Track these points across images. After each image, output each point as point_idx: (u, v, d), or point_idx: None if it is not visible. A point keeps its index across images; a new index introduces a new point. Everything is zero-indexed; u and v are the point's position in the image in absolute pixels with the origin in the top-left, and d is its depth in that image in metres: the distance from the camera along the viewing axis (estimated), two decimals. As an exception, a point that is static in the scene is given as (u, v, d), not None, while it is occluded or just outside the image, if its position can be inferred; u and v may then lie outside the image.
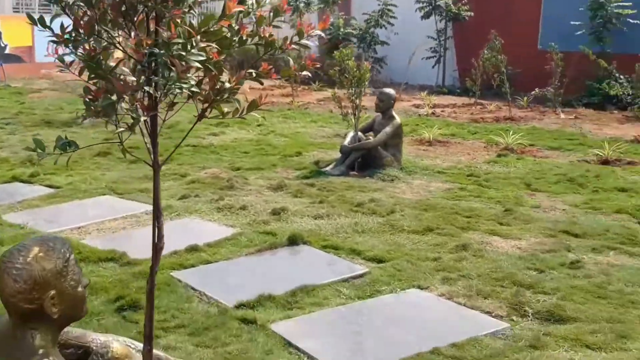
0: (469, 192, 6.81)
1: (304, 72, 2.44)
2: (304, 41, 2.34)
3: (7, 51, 17.21)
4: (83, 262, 4.53)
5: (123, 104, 2.33)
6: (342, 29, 18.66)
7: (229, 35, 2.24)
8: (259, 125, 11.06)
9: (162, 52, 2.14)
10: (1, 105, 12.27)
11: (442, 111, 13.46)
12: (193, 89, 2.24)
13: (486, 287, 4.34)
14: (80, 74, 2.46)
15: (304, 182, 7.14)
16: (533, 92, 13.93)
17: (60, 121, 10.73)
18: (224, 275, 4.55)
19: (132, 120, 2.34)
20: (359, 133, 7.91)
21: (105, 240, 5.11)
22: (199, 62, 2.17)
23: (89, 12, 2.28)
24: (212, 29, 2.16)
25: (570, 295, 4.20)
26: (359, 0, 20.53)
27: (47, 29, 2.29)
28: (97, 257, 4.61)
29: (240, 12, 2.30)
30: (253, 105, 2.44)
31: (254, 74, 2.42)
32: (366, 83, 8.12)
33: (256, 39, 2.38)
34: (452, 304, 4.12)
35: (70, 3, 2.27)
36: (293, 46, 2.36)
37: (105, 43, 2.30)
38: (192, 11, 2.23)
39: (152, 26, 2.34)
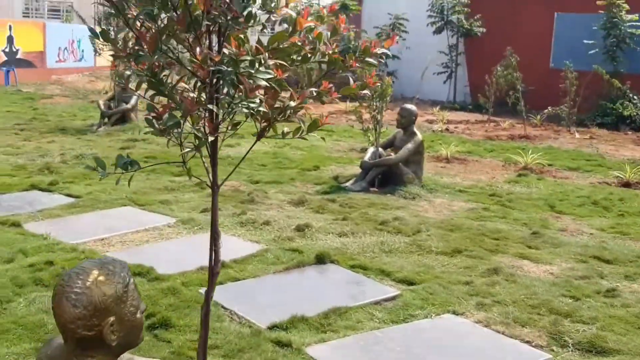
0: (494, 213, 6.72)
1: (365, 91, 2.36)
2: (369, 59, 2.27)
3: (18, 56, 17.19)
4: (110, 277, 4.42)
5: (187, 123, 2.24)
6: (353, 42, 18.63)
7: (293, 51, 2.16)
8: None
9: (229, 69, 2.05)
10: (14, 111, 12.22)
11: (456, 127, 13.41)
12: (261, 108, 2.15)
13: (523, 314, 4.24)
14: (137, 89, 2.38)
15: (325, 198, 7.06)
16: (546, 111, 13.89)
17: (74, 128, 10.67)
18: (253, 293, 4.45)
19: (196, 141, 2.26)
20: (380, 149, 7.84)
21: (130, 253, 5.01)
22: (266, 80, 2.09)
23: (149, 26, 2.20)
24: (281, 46, 2.08)
25: (610, 325, 4.09)
26: (369, 13, 20.56)
27: (109, 43, 2.20)
28: (124, 272, 4.50)
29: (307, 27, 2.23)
30: (314, 125, 2.37)
31: (314, 93, 2.35)
32: (388, 98, 8.05)
33: (318, 55, 2.31)
34: (489, 331, 4.01)
35: (134, 17, 2.18)
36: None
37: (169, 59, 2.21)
38: (264, 30, 2.15)
39: (205, 42, 2.27)
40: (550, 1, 17.26)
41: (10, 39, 16.92)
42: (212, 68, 2.06)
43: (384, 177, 7.67)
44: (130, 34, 2.23)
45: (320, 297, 4.40)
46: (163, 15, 2.26)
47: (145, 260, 4.79)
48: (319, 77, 2.28)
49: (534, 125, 13.78)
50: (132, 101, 10.89)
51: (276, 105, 2.24)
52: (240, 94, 2.13)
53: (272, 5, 2.03)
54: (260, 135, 2.38)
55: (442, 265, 5.12)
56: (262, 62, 2.02)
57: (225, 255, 5.00)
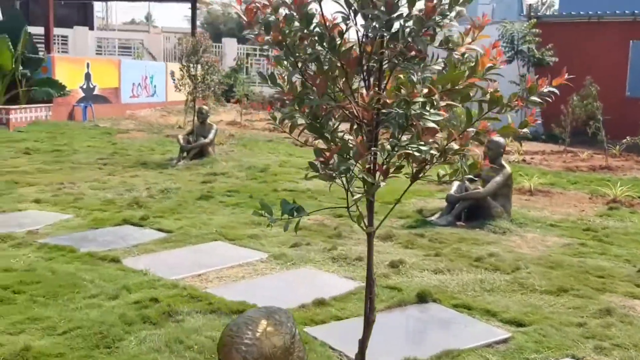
0: (592, 249, 6.44)
1: (524, 129, 2.27)
2: (534, 98, 2.17)
3: (95, 92, 17.80)
4: (215, 314, 4.41)
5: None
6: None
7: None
8: (348, 170, 10.99)
9: (401, 111, 1.98)
10: (95, 145, 12.59)
11: (532, 158, 13.10)
12: (432, 151, 2.08)
13: (648, 359, 3.98)
14: (291, 131, 2.34)
15: (413, 232, 6.92)
16: (624, 141, 13.40)
17: (154, 162, 10.89)
18: (359, 333, 4.32)
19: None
20: (466, 182, 7.66)
21: (229, 289, 4.99)
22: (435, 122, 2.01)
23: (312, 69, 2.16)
24: (457, 87, 2.00)
25: None
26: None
27: (275, 86, 2.17)
28: (228, 309, 4.48)
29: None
30: (473, 167, 2.27)
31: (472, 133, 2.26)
32: (472, 131, 7.89)
33: (478, 94, 2.23)
34: (616, 378, 3.78)
35: (304, 59, 2.15)
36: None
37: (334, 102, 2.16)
38: (445, 69, 2.09)
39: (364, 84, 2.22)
40: (625, 29, 16.83)
41: (87, 76, 17.56)
42: (383, 110, 2.00)
43: (470, 211, 7.48)
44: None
45: (429, 338, 4.26)
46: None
47: (245, 297, 4.74)
48: (479, 117, 2.20)
49: (613, 156, 13.32)
50: (210, 135, 11.07)
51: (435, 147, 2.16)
52: (403, 136, 2.07)
53: (456, 41, 1.97)
54: (415, 178, 2.30)
55: (550, 305, 4.90)
56: (434, 103, 1.95)
57: (324, 292, 4.97)
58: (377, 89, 2.07)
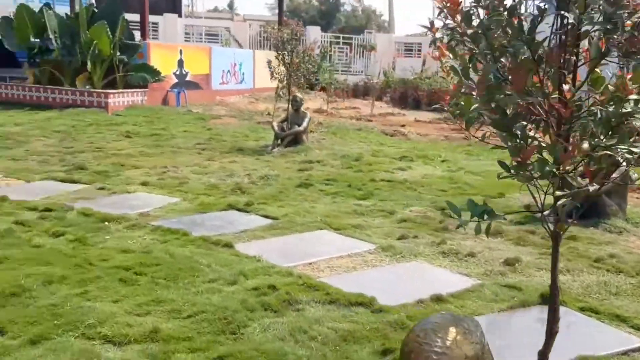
0: None
1: None
2: None
3: (187, 78, 18.19)
4: (334, 305, 4.35)
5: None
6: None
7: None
8: (443, 162, 10.80)
9: (612, 109, 1.81)
10: (191, 131, 12.85)
11: (636, 155, 12.45)
12: None
13: None
14: (467, 127, 2.20)
15: (522, 229, 6.66)
16: None
17: (250, 149, 11.00)
18: (486, 334, 4.17)
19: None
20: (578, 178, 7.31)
21: (343, 280, 4.93)
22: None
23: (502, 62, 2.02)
24: None
25: None
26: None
27: (468, 81, 2.04)
28: (347, 301, 4.41)
29: None
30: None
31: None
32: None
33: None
34: None
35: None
36: None
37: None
38: None
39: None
40: None
41: (180, 63, 17.95)
42: (592, 108, 1.84)
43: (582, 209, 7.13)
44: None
45: (560, 343, 4.02)
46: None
47: (360, 289, 4.66)
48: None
49: None
50: (304, 123, 11.08)
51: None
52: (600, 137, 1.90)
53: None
54: (604, 180, 2.13)
55: (684, 313, 4.58)
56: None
57: (439, 288, 4.82)
58: (571, 84, 1.92)
